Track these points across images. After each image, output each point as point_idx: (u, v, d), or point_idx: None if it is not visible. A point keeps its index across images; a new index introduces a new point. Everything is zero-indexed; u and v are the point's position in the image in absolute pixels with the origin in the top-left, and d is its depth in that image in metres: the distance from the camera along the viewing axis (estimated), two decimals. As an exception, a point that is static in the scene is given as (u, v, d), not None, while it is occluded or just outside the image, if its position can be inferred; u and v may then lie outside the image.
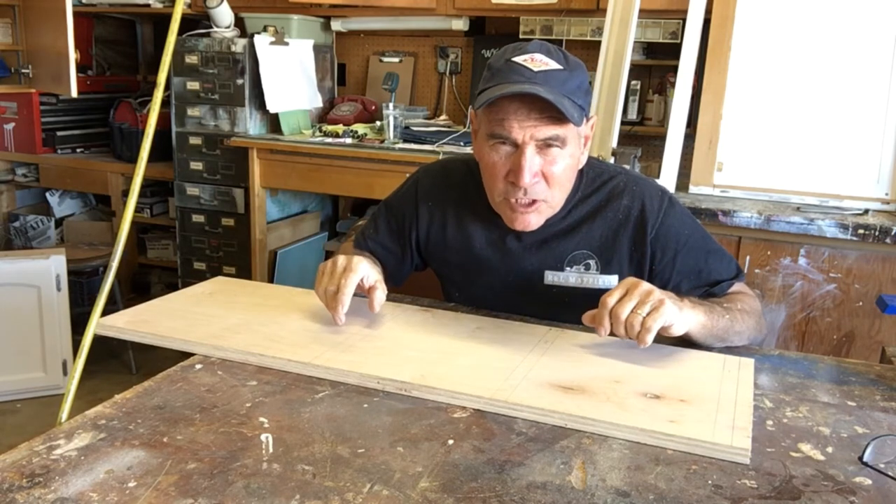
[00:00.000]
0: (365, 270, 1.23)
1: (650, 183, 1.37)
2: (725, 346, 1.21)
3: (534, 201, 1.24)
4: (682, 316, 1.11)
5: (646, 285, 1.11)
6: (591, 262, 1.32)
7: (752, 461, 0.87)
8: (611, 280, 1.31)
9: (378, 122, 3.22)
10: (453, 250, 1.40)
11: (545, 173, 1.22)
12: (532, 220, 1.27)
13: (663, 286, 1.21)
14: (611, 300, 1.10)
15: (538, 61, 1.19)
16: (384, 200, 1.49)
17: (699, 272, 1.33)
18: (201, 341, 1.14)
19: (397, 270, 1.45)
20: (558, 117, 1.17)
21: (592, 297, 1.17)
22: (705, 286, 1.33)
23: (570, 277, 1.32)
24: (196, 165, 3.30)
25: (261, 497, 0.76)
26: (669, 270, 1.32)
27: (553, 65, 1.19)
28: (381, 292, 1.24)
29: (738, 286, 1.35)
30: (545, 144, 1.20)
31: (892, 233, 2.03)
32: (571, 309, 1.22)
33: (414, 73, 3.58)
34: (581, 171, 1.33)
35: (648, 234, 1.31)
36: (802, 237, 2.12)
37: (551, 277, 1.33)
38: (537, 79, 1.17)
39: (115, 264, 2.17)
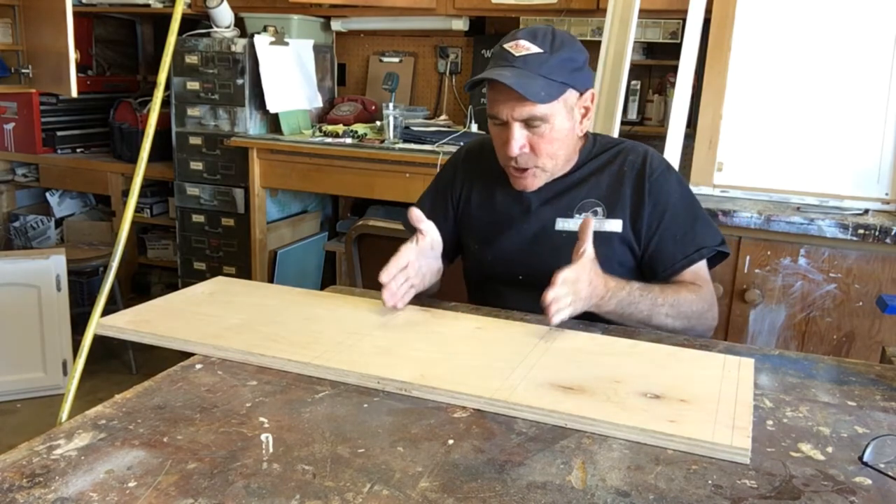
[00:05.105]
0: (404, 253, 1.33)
1: (657, 152, 1.51)
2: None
3: (525, 168, 1.40)
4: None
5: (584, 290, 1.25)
6: (598, 209, 1.45)
7: (752, 461, 0.87)
8: (615, 224, 1.44)
9: (378, 122, 3.22)
10: (479, 205, 1.54)
11: (533, 145, 1.38)
12: (529, 183, 1.44)
13: (650, 239, 1.42)
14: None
15: (521, 46, 1.34)
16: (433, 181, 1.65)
17: (684, 233, 1.43)
18: (201, 341, 1.14)
19: (441, 236, 1.51)
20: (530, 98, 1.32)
21: (598, 240, 1.34)
22: (693, 252, 1.42)
23: (579, 223, 1.43)
24: (196, 165, 3.30)
25: (261, 497, 0.76)
26: (656, 225, 1.43)
27: (534, 49, 1.34)
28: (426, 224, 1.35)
29: (699, 275, 1.43)
30: (529, 123, 1.36)
31: (892, 233, 2.03)
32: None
33: (414, 73, 3.58)
34: (595, 137, 1.51)
35: (646, 185, 1.43)
36: (802, 237, 2.12)
37: (562, 224, 1.45)
38: (516, 62, 1.33)
39: (115, 264, 2.17)
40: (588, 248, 1.25)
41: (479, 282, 1.55)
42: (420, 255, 1.35)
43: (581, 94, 1.40)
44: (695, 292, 1.39)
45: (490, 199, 1.52)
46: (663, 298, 1.35)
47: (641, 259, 1.45)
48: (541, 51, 1.33)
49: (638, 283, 1.35)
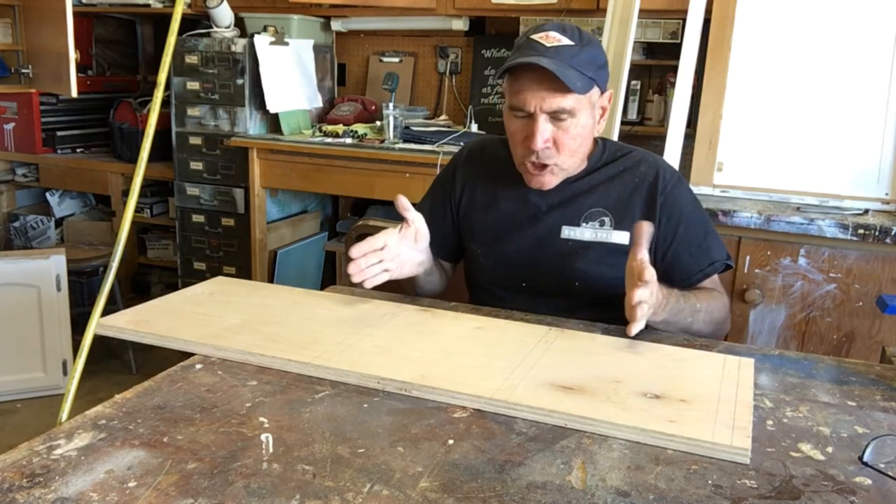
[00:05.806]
0: (379, 237, 1.33)
1: (668, 163, 1.50)
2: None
3: (546, 164, 1.38)
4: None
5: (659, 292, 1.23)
6: (606, 219, 1.42)
7: (752, 461, 0.87)
8: (622, 236, 1.41)
9: (378, 122, 3.22)
10: (482, 208, 1.52)
11: (556, 140, 1.35)
12: (546, 181, 1.41)
13: (665, 252, 1.40)
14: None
15: (552, 38, 1.33)
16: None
17: (699, 245, 1.42)
18: (201, 341, 1.14)
19: (442, 238, 1.53)
20: (564, 88, 1.29)
21: (604, 250, 1.38)
22: (707, 265, 1.42)
23: (586, 233, 1.43)
24: (196, 165, 3.30)
25: (261, 497, 0.76)
26: (671, 237, 1.42)
27: (565, 41, 1.33)
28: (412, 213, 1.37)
29: (717, 283, 1.45)
30: (556, 116, 1.33)
31: (892, 233, 2.03)
32: (584, 260, 1.41)
33: (414, 73, 3.58)
34: (605, 143, 1.49)
35: (658, 199, 1.42)
36: (802, 237, 2.12)
37: (568, 232, 1.44)
38: (548, 53, 1.31)
39: (115, 264, 2.17)
40: (646, 254, 1.20)
41: (481, 286, 1.54)
42: (401, 243, 1.35)
43: (602, 94, 1.40)
44: (719, 299, 1.41)
45: (493, 201, 1.50)
46: (700, 304, 1.34)
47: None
48: (572, 43, 1.33)
49: (675, 289, 1.32)
